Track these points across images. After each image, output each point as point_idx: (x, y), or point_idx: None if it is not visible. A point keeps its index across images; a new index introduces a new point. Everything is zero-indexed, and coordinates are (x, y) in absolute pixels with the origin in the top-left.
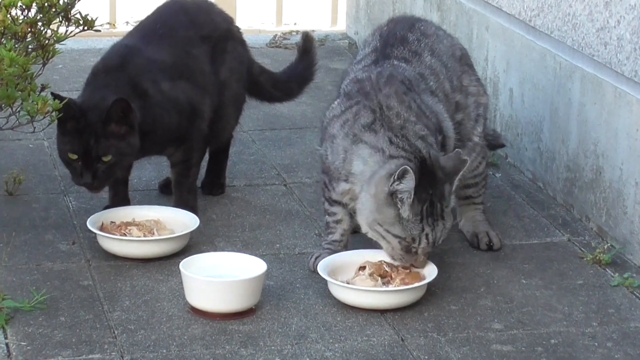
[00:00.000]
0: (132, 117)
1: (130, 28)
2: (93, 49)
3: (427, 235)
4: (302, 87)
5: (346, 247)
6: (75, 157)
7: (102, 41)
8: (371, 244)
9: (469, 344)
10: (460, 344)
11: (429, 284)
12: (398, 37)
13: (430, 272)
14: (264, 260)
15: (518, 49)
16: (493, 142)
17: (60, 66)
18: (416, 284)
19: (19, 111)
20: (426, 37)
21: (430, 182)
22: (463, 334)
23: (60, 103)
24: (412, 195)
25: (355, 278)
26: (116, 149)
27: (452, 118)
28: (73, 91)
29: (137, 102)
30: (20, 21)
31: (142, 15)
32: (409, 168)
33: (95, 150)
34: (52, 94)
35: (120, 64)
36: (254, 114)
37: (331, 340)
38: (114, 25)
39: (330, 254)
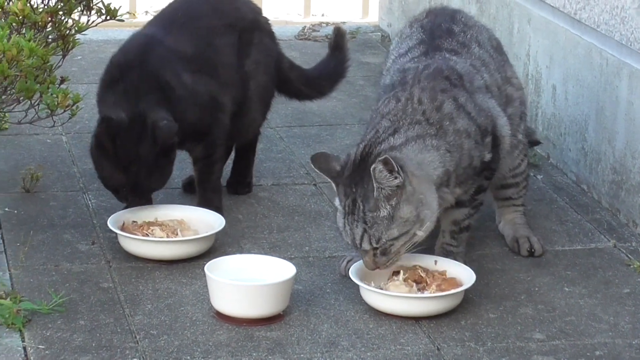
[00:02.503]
0: (176, 135)
1: (149, 18)
2: (113, 39)
3: (346, 232)
4: (333, 84)
5: None
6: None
7: (122, 32)
8: None
9: (508, 355)
10: (500, 355)
11: (467, 291)
12: (444, 29)
13: (468, 278)
14: (293, 264)
15: (562, 44)
16: (527, 139)
17: (79, 57)
18: (453, 291)
19: (37, 104)
20: (469, 28)
21: (358, 180)
22: (502, 344)
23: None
24: (337, 186)
25: (389, 283)
26: (167, 174)
27: (504, 112)
28: (92, 84)
29: (162, 99)
30: (40, 10)
31: (162, 5)
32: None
33: (148, 183)
34: (104, 116)
35: (140, 57)
36: (282, 110)
37: (363, 349)
38: (133, 15)
39: None
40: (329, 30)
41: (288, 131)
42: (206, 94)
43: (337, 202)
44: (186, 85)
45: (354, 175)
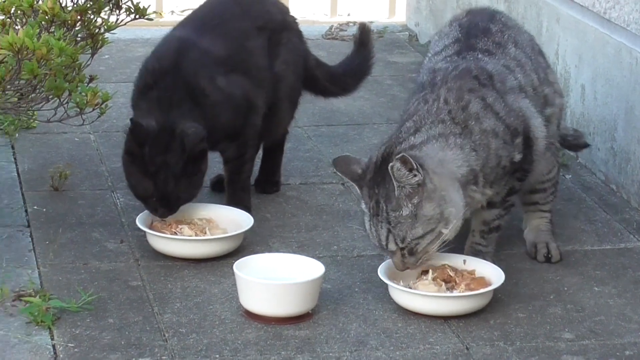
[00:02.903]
0: (206, 145)
1: (175, 17)
2: (140, 38)
3: (372, 233)
4: (358, 81)
5: None
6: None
7: (149, 31)
8: None
9: (537, 354)
10: (529, 354)
11: (495, 290)
12: (481, 28)
13: (496, 277)
14: (321, 263)
15: (591, 43)
16: (574, 143)
17: (106, 56)
18: (482, 290)
19: (67, 103)
20: (508, 28)
21: (379, 181)
22: (531, 344)
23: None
24: (361, 189)
25: (418, 282)
26: (195, 186)
27: (541, 113)
28: (120, 82)
29: (195, 106)
30: (70, 9)
31: (187, 5)
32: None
33: (176, 194)
34: (132, 119)
35: (175, 62)
36: (309, 109)
37: (392, 348)
38: (160, 14)
39: None
40: (356, 29)
41: (316, 130)
42: (240, 96)
43: (362, 204)
44: (221, 89)
45: (376, 177)
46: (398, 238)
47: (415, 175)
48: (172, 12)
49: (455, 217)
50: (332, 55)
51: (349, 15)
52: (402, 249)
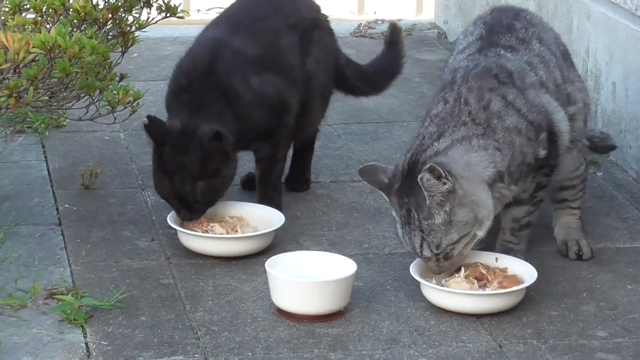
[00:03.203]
0: (227, 148)
1: (202, 16)
2: (169, 37)
3: (406, 241)
4: (388, 80)
5: None
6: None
7: (178, 29)
8: None
9: (571, 352)
10: (562, 352)
11: (528, 288)
12: (504, 25)
13: (529, 275)
14: (353, 261)
15: (622, 41)
16: (601, 144)
17: (135, 55)
18: (514, 288)
19: (98, 101)
20: (533, 25)
21: (408, 190)
22: (565, 341)
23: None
24: (390, 197)
25: (450, 280)
26: (212, 189)
27: (564, 109)
28: (149, 81)
29: (227, 107)
30: (101, 7)
31: (213, 3)
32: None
33: (192, 196)
34: (148, 116)
35: (209, 64)
36: (339, 107)
37: (424, 346)
38: (187, 12)
39: None
40: (385, 27)
41: (345, 128)
42: (274, 96)
43: (393, 212)
44: (254, 90)
45: (404, 186)
46: (432, 245)
47: (444, 183)
48: (199, 10)
49: (488, 219)
50: (360, 53)
51: (375, 13)
52: (437, 254)
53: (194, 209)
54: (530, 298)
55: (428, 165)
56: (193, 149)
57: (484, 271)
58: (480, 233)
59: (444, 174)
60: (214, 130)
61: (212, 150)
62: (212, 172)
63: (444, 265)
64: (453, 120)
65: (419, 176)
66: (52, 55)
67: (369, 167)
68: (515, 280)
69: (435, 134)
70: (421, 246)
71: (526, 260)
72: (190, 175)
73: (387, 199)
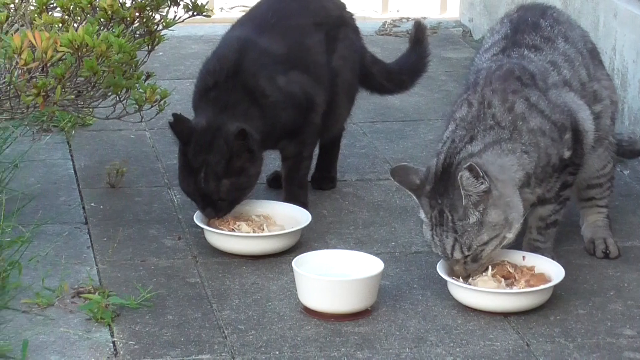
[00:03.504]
0: (252, 146)
1: (225, 14)
2: (194, 35)
3: (435, 243)
4: (414, 79)
5: None
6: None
7: (202, 27)
8: None
9: (599, 351)
10: (590, 351)
11: (555, 287)
12: (530, 23)
13: (556, 273)
14: (379, 259)
15: None
16: (629, 149)
17: (160, 53)
18: (542, 286)
19: (124, 100)
20: (559, 23)
21: (442, 191)
22: (592, 340)
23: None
24: (420, 199)
25: (477, 279)
26: (237, 187)
27: (589, 108)
28: (174, 79)
29: (254, 106)
30: (128, 6)
31: (235, 2)
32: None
33: (217, 194)
34: (174, 114)
35: (235, 64)
36: (364, 105)
37: (452, 344)
38: (211, 11)
39: None
40: (410, 25)
41: (371, 127)
42: (300, 95)
43: (421, 214)
44: (281, 89)
45: (438, 187)
46: (464, 246)
47: (482, 183)
48: (222, 9)
49: (517, 221)
50: (385, 51)
51: (398, 11)
52: (466, 256)
53: (218, 207)
54: (557, 296)
55: (467, 164)
56: (218, 147)
57: (511, 269)
58: (510, 235)
59: (482, 174)
60: (239, 128)
61: (237, 148)
62: (237, 170)
63: (471, 267)
64: (481, 125)
65: (459, 174)
66: (79, 54)
67: (401, 167)
68: (543, 278)
69: (465, 137)
70: (453, 247)
71: (553, 258)
72: (214, 173)
73: (416, 200)
